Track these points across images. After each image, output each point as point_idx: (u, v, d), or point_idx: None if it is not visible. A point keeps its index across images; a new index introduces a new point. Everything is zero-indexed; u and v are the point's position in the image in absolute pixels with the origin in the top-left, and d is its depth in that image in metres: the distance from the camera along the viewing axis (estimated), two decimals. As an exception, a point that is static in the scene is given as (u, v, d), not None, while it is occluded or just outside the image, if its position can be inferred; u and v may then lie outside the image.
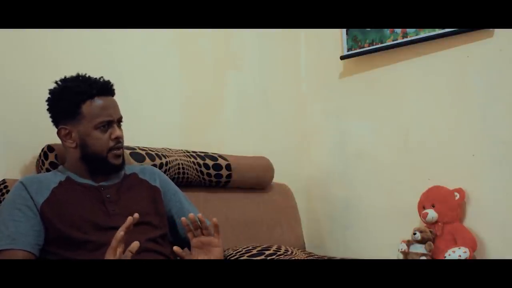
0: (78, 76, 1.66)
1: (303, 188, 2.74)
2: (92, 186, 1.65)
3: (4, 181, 1.84)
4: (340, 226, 2.62)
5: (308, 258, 2.08)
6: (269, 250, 2.01)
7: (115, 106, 1.66)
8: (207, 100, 2.49)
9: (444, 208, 2.14)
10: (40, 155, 1.91)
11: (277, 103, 2.71)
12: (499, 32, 2.08)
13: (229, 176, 2.26)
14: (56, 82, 1.67)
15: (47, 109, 1.68)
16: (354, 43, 2.52)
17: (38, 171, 1.93)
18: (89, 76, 1.66)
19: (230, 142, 2.50)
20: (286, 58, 2.78)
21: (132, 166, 1.82)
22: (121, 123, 1.68)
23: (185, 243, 1.68)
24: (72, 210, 1.57)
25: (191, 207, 1.81)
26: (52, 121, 1.68)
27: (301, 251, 2.15)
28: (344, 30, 2.54)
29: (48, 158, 1.87)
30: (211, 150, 2.30)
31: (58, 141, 1.92)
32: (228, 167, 2.26)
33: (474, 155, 2.15)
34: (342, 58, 2.57)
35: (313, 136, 2.76)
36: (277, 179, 2.49)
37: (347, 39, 2.54)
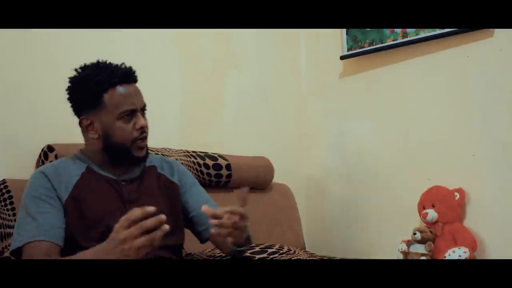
0: (98, 63, 1.57)
1: (303, 188, 2.74)
2: (113, 180, 1.57)
3: (4, 181, 1.84)
4: (340, 226, 2.62)
5: (309, 258, 2.08)
6: (272, 248, 2.01)
7: (138, 93, 1.57)
8: (207, 100, 2.49)
9: (444, 208, 2.14)
10: (40, 155, 1.91)
11: (277, 103, 2.71)
12: (499, 32, 2.08)
13: (229, 176, 2.26)
14: (76, 70, 1.58)
15: (68, 99, 1.58)
16: (354, 43, 2.52)
17: (38, 171, 1.93)
18: (110, 63, 1.57)
19: (230, 142, 2.51)
20: (286, 58, 2.78)
21: (151, 156, 1.70)
22: (145, 111, 1.59)
23: (199, 237, 1.68)
24: (92, 214, 1.49)
25: (209, 200, 1.75)
26: (73, 111, 1.59)
27: (303, 251, 2.15)
28: (344, 30, 2.54)
29: (48, 158, 1.87)
30: (211, 150, 2.30)
31: (58, 141, 1.93)
32: (228, 167, 2.26)
33: (474, 155, 2.15)
34: (342, 58, 2.57)
35: (313, 136, 2.76)
36: (277, 179, 2.49)
37: (347, 39, 2.54)
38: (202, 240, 1.70)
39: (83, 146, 1.62)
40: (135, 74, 1.57)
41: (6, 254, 1.67)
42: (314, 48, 2.78)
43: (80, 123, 1.57)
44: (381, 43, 2.42)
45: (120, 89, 1.52)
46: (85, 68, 1.57)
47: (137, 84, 1.60)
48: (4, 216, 1.80)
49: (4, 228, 1.79)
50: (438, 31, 2.21)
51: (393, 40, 2.38)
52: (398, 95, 2.43)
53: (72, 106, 1.58)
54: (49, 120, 2.01)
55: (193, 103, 2.43)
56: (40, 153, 1.91)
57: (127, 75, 1.55)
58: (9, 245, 1.72)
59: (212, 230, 1.37)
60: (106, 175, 1.57)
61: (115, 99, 1.51)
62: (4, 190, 1.82)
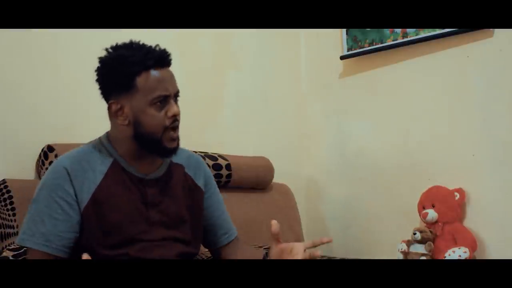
0: (131, 43, 1.46)
1: (303, 188, 2.74)
2: (138, 179, 1.46)
3: (4, 181, 1.84)
4: (340, 226, 2.62)
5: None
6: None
7: (172, 78, 1.45)
8: (207, 100, 2.49)
9: (444, 208, 2.14)
10: (40, 155, 1.91)
11: (277, 103, 2.71)
12: (499, 32, 2.08)
13: (229, 176, 2.25)
14: (106, 50, 1.46)
15: (96, 80, 1.46)
16: (354, 43, 2.52)
17: (38, 171, 1.93)
18: (143, 44, 1.46)
19: (230, 142, 2.50)
20: (286, 58, 2.78)
21: (179, 151, 1.53)
22: (178, 98, 1.47)
23: (206, 244, 1.63)
24: (112, 219, 1.40)
25: (224, 209, 1.67)
26: (102, 93, 1.46)
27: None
28: (344, 30, 2.54)
29: (48, 158, 1.87)
30: (211, 150, 2.29)
31: (58, 141, 1.93)
32: (228, 167, 2.25)
33: (474, 155, 2.15)
34: (342, 58, 2.57)
35: (313, 136, 2.76)
36: (277, 179, 2.49)
37: (347, 39, 2.54)
38: (206, 246, 1.66)
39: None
40: (170, 58, 1.46)
41: (5, 253, 1.67)
42: (314, 48, 2.77)
43: (109, 108, 1.44)
44: (381, 43, 2.42)
45: (154, 72, 1.41)
46: (117, 48, 1.46)
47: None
48: (4, 216, 1.80)
49: (4, 228, 1.79)
50: (438, 31, 2.21)
51: (393, 40, 2.38)
52: (398, 95, 2.43)
53: (100, 88, 1.46)
54: (49, 120, 2.01)
55: (193, 103, 2.43)
56: (40, 153, 1.91)
57: (162, 58, 1.44)
58: (9, 245, 1.72)
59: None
60: (132, 173, 1.46)
61: (148, 83, 1.40)
62: (4, 190, 1.82)
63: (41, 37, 1.98)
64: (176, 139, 1.46)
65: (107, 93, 1.45)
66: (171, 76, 1.46)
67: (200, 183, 1.59)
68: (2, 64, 1.92)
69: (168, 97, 1.42)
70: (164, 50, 1.45)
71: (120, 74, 1.40)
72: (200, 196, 1.58)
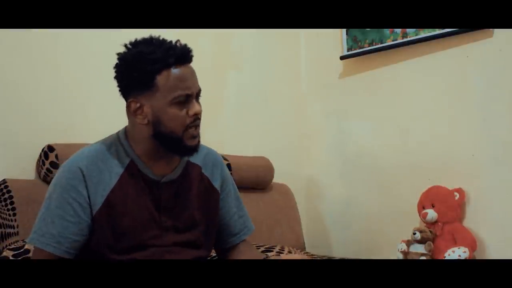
0: (151, 39, 1.40)
1: (303, 188, 2.74)
2: (153, 182, 1.41)
3: (4, 181, 1.85)
4: (340, 226, 2.62)
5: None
6: (272, 251, 2.01)
7: (193, 76, 1.40)
8: (207, 100, 2.47)
9: (444, 208, 2.15)
10: (40, 155, 1.91)
11: (277, 103, 2.71)
12: (498, 32, 2.08)
13: (229, 176, 2.25)
14: (126, 46, 1.40)
15: (115, 77, 1.40)
16: (354, 43, 2.52)
17: (38, 171, 1.93)
18: (164, 39, 1.40)
19: (230, 142, 2.50)
20: (286, 58, 2.78)
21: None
22: (200, 97, 1.42)
23: (214, 244, 1.58)
24: (124, 224, 1.37)
25: (238, 209, 1.62)
26: (120, 91, 1.40)
27: (303, 253, 2.15)
28: (344, 30, 2.54)
29: (48, 158, 1.87)
30: (211, 150, 2.29)
31: (58, 141, 1.93)
32: (228, 167, 2.25)
33: (474, 155, 2.15)
34: (342, 58, 2.57)
35: (313, 136, 2.77)
36: (277, 179, 2.49)
37: (347, 39, 2.54)
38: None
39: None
40: (192, 54, 1.40)
41: (5, 253, 1.67)
42: (314, 48, 2.78)
43: (128, 106, 1.38)
44: (381, 43, 2.42)
45: (175, 70, 1.35)
46: (136, 44, 1.40)
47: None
48: (4, 216, 1.80)
49: (4, 228, 1.79)
50: (438, 31, 2.21)
51: (393, 40, 2.38)
52: (398, 95, 2.43)
53: (119, 86, 1.40)
54: (49, 120, 2.02)
55: (193, 103, 2.43)
56: (40, 153, 1.92)
57: (183, 55, 1.38)
58: (9, 245, 1.72)
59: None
60: (147, 175, 1.41)
61: (169, 82, 1.34)
62: (4, 190, 1.82)
63: (41, 37, 1.98)
64: (197, 136, 1.41)
65: (126, 91, 1.39)
66: (193, 73, 1.41)
67: (216, 184, 1.54)
68: (2, 64, 1.93)
69: (189, 96, 1.37)
70: (185, 46, 1.40)
71: (140, 72, 1.34)
72: (216, 198, 1.53)
